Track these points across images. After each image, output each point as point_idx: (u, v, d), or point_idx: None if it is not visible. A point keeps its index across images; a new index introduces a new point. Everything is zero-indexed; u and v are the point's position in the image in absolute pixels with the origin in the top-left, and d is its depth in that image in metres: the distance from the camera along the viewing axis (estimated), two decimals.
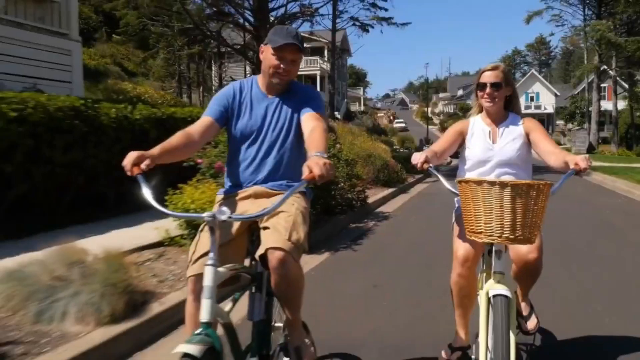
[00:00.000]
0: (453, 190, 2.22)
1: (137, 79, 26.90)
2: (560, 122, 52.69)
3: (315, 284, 4.26)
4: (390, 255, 5.60)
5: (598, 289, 4.27)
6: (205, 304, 1.63)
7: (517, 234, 1.88)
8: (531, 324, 2.60)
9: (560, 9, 36.46)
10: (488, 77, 2.49)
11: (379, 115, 60.15)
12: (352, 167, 8.44)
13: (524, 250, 2.28)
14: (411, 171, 15.91)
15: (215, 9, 15.21)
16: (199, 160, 5.26)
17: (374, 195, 9.73)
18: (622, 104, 37.76)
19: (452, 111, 77.25)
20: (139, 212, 5.84)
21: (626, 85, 35.61)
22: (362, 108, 54.27)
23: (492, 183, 1.87)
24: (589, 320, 3.47)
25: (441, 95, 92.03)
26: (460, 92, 79.25)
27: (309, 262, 5.00)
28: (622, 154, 31.30)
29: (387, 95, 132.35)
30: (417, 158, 2.32)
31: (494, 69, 2.51)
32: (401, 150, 21.94)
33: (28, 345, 2.71)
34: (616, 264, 5.13)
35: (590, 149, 33.15)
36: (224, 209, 1.71)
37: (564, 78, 72.93)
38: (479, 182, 1.91)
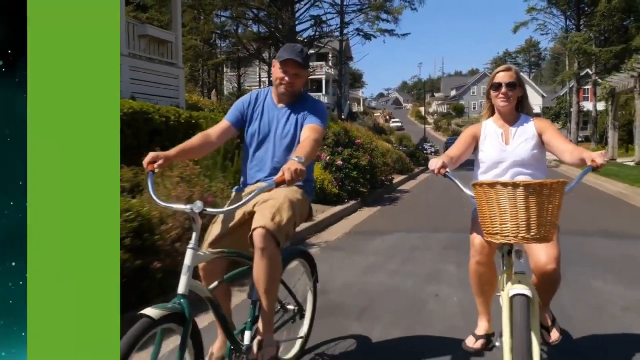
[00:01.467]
0: (471, 194, 2.21)
1: None
2: None
3: (381, 217, 8.18)
4: (418, 207, 9.50)
5: None
6: (182, 279, 1.87)
7: (532, 233, 1.88)
8: (554, 335, 2.55)
9: (545, 19, 40.31)
10: (502, 77, 2.50)
11: (375, 114, 63.32)
12: (385, 157, 12.21)
13: (542, 262, 2.25)
14: (417, 163, 19.68)
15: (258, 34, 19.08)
16: None
17: (395, 178, 13.53)
18: (601, 105, 41.75)
19: (445, 111, 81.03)
20: None
21: None
22: (362, 109, 57.87)
23: (505, 184, 1.88)
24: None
25: (435, 94, 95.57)
26: (453, 93, 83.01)
27: (371, 209, 8.84)
28: (598, 149, 35.06)
29: (381, 95, 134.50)
30: (434, 164, 2.29)
31: (507, 69, 2.53)
32: (399, 147, 23.88)
33: None
34: None
35: None
36: (199, 203, 1.93)
37: (554, 78, 76.50)
38: (492, 184, 1.92)
